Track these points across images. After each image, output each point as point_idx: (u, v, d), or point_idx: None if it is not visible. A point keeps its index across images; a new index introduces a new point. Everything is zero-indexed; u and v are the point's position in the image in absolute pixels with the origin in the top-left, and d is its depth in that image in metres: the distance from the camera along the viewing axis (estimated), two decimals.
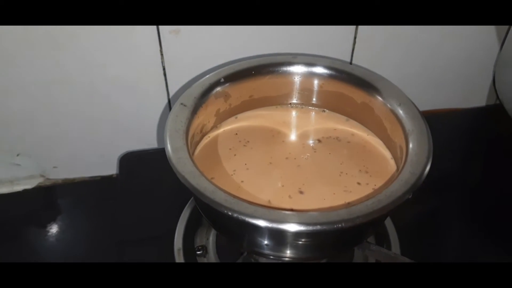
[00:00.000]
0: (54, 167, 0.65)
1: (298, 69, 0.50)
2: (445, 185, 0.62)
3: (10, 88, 0.57)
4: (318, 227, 0.35)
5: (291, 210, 0.41)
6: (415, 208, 0.59)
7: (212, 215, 0.42)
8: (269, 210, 0.36)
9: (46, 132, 0.61)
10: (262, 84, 0.50)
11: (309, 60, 0.50)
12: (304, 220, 0.35)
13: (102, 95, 0.60)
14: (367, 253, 0.45)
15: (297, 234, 0.37)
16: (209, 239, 0.51)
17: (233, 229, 0.41)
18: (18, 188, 0.65)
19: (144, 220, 0.56)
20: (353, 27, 0.61)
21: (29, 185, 0.65)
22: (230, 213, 0.36)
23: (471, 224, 0.57)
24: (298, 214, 0.36)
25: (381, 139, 0.48)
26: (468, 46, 0.66)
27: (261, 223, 0.35)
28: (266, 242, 0.39)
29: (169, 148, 0.40)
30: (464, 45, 0.66)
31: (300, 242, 0.39)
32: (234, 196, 0.37)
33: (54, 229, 0.61)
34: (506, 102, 0.57)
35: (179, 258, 0.49)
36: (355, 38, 0.62)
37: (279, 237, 0.39)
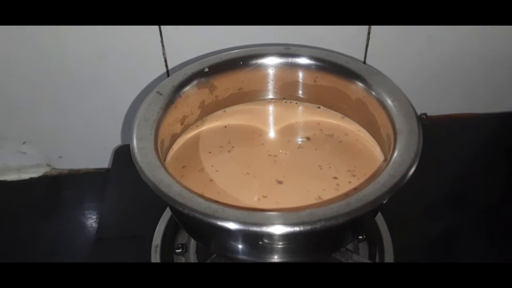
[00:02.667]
0: (60, 157, 0.65)
1: (290, 61, 0.46)
2: (463, 199, 0.56)
3: (15, 77, 0.57)
4: (272, 228, 0.32)
5: (261, 209, 0.38)
6: (428, 220, 0.54)
7: (173, 210, 0.39)
8: (223, 208, 0.33)
9: (50, 122, 0.62)
10: (251, 77, 0.47)
11: (302, 52, 0.46)
12: (257, 221, 0.32)
13: (105, 86, 0.59)
14: (349, 262, 0.41)
15: (254, 235, 0.34)
16: (191, 238, 0.49)
17: (193, 227, 0.39)
18: (25, 176, 0.66)
19: (129, 215, 0.54)
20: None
21: (35, 173, 0.66)
22: (181, 209, 0.33)
23: (489, 248, 0.51)
24: (254, 214, 0.33)
25: (374, 138, 0.44)
26: (496, 43, 0.60)
27: (214, 221, 0.32)
28: (225, 241, 0.36)
29: (134, 136, 0.38)
30: (490, 42, 0.60)
31: (261, 244, 0.36)
32: (191, 191, 0.34)
33: (56, 218, 0.61)
34: None
35: (155, 255, 0.47)
36: (368, 33, 0.58)
37: (236, 237, 0.36)
